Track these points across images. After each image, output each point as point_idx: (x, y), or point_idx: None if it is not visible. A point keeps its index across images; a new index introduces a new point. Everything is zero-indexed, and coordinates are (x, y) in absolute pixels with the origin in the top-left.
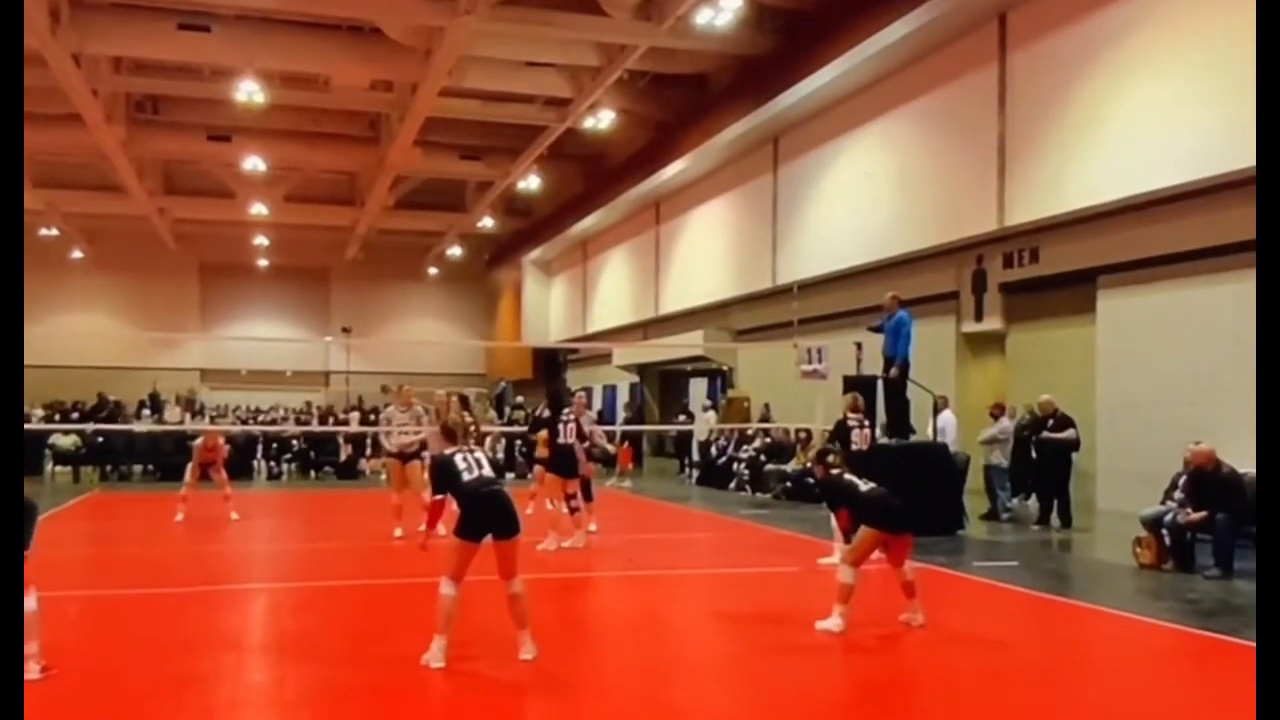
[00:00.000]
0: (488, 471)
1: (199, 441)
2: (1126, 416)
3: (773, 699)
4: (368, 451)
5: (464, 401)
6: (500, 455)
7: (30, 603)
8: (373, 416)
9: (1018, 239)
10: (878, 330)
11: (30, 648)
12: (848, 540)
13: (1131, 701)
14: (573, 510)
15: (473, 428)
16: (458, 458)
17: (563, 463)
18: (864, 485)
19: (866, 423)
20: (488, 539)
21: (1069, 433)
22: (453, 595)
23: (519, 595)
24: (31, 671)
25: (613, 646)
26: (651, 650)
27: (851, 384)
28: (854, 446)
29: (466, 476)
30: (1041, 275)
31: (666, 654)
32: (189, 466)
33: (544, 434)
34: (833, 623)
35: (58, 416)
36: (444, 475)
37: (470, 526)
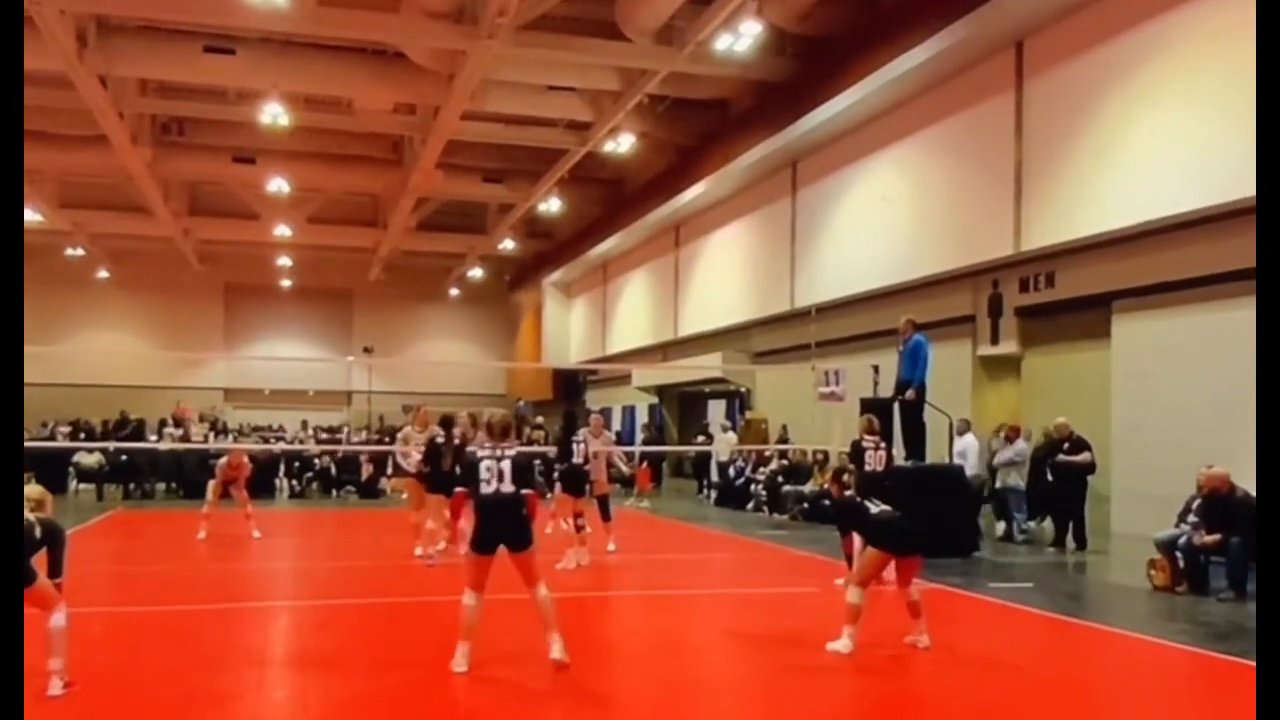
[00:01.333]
0: (507, 485)
1: (223, 460)
2: (1141, 440)
3: (787, 718)
4: (389, 471)
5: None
6: None
7: (60, 619)
8: (387, 439)
9: (1034, 263)
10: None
11: (55, 664)
12: (850, 565)
13: None
14: (578, 528)
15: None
16: (484, 463)
17: (572, 481)
18: (874, 507)
19: (883, 444)
20: (502, 550)
21: (1084, 455)
22: (473, 605)
23: (542, 599)
24: (55, 688)
25: (630, 664)
26: (668, 669)
27: (869, 407)
28: (868, 468)
29: (485, 489)
30: (1057, 299)
31: (683, 673)
32: (211, 485)
33: None
34: (842, 644)
35: (83, 435)
36: (467, 474)
37: (482, 538)
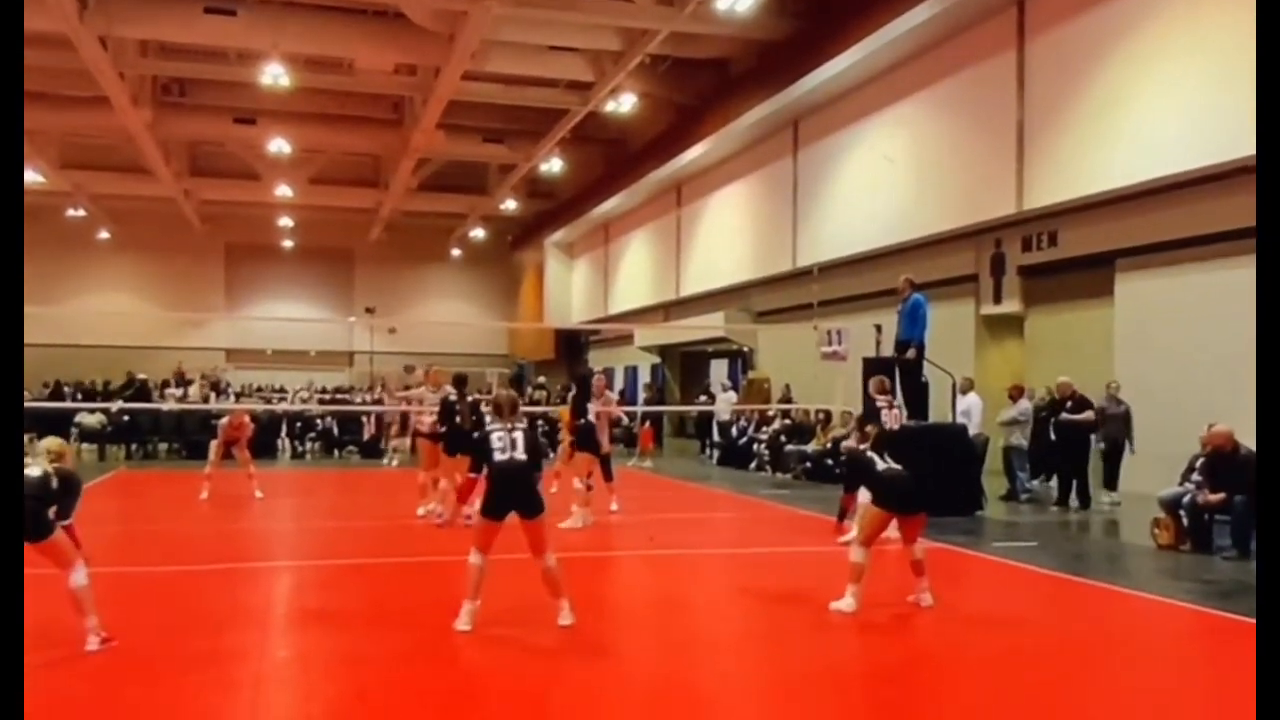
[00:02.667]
0: (520, 453)
1: (225, 420)
2: (1145, 399)
3: (790, 676)
4: (393, 430)
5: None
6: None
7: (79, 577)
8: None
9: (1036, 222)
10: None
11: (89, 621)
12: (841, 519)
13: (1148, 681)
14: (587, 488)
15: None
16: (495, 435)
17: (589, 440)
18: (882, 464)
19: (895, 403)
20: (513, 517)
21: (1087, 414)
22: (479, 564)
23: (551, 569)
24: (92, 643)
25: (633, 623)
26: (671, 627)
27: (871, 366)
28: (886, 427)
29: (498, 456)
30: (1060, 258)
31: (686, 631)
32: (213, 445)
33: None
34: (845, 603)
35: (79, 395)
36: (480, 451)
37: (493, 504)
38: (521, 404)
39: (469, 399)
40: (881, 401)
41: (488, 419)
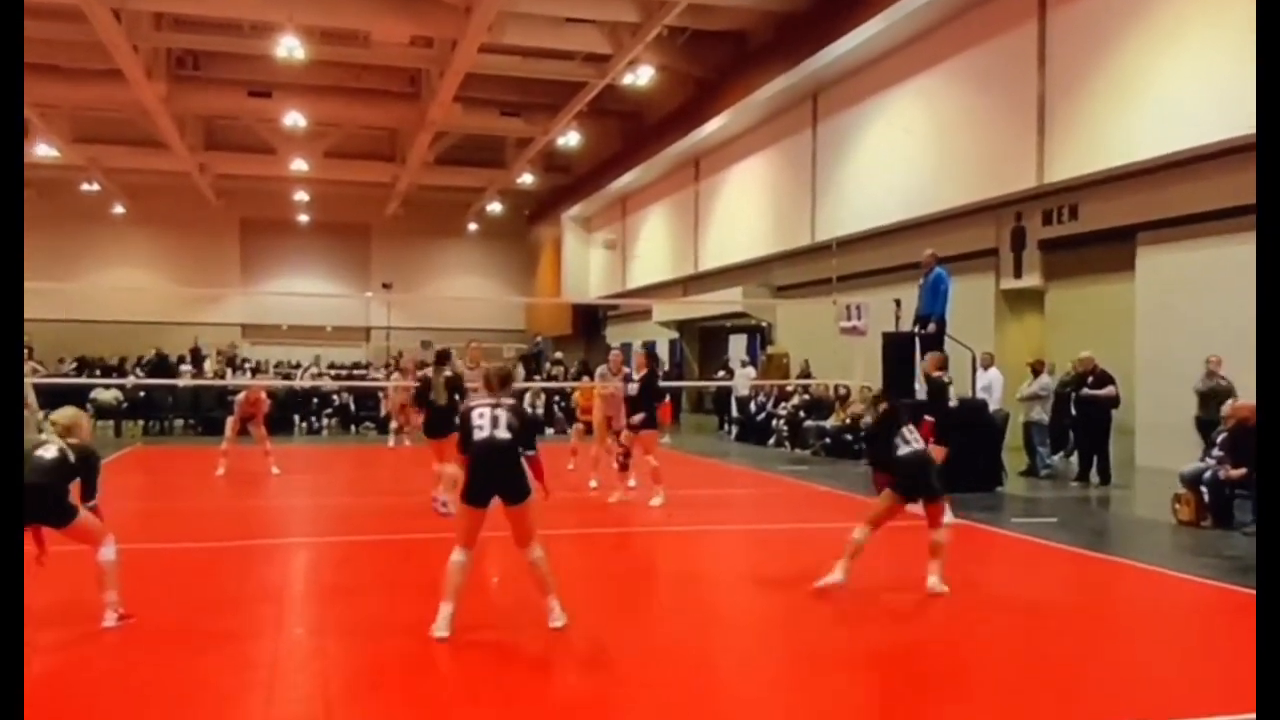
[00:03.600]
0: (501, 432)
1: (241, 396)
2: (1166, 373)
3: (808, 655)
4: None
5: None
6: (540, 411)
7: (109, 552)
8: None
9: (1057, 196)
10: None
11: (109, 596)
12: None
13: (1169, 657)
14: (623, 466)
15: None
16: (475, 413)
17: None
18: (904, 447)
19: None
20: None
21: (1109, 389)
22: (460, 562)
23: (537, 562)
24: (109, 619)
25: (649, 601)
26: (686, 606)
27: (891, 341)
28: (951, 404)
29: (477, 435)
30: (1081, 232)
31: (701, 610)
32: (229, 421)
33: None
34: (832, 576)
35: (100, 371)
36: (461, 430)
37: (473, 489)
38: (526, 378)
39: (447, 374)
40: (948, 378)
41: (473, 401)
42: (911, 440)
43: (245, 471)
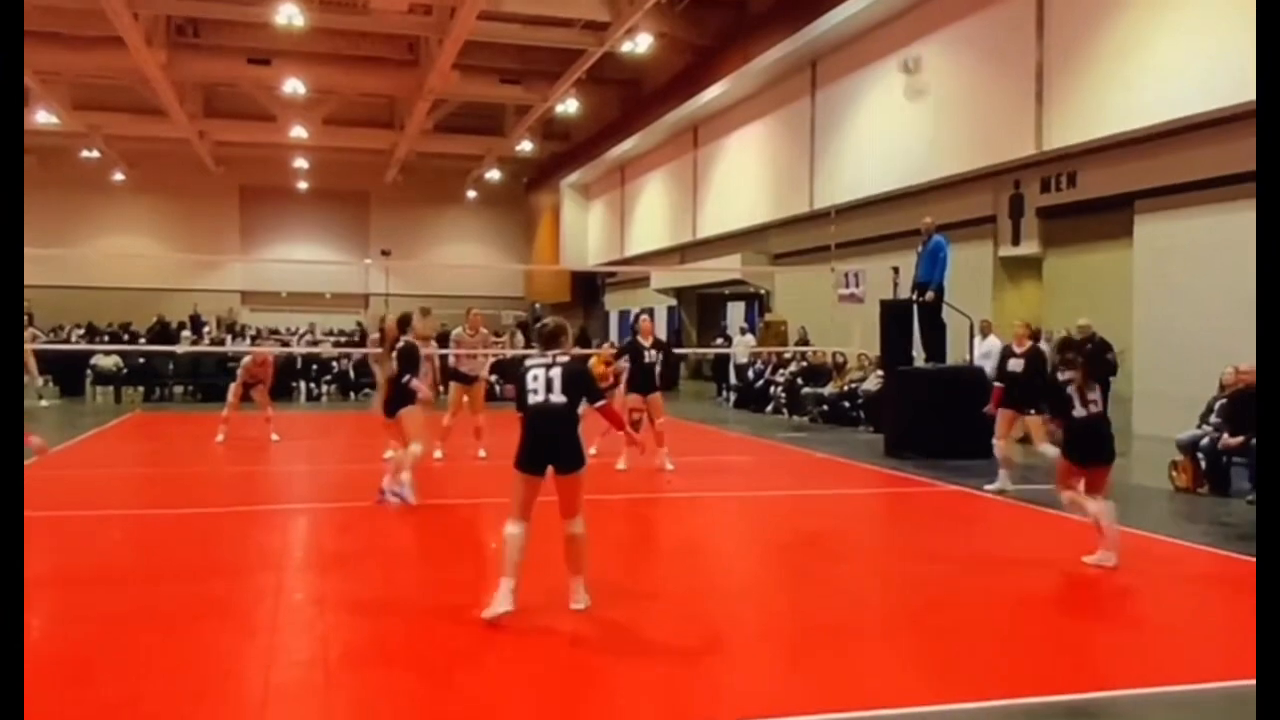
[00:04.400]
0: (556, 396)
1: (247, 360)
2: (1163, 341)
3: (809, 623)
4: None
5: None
6: None
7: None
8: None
9: (1055, 163)
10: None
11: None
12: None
13: (1165, 623)
14: (634, 424)
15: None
16: (530, 375)
17: (645, 382)
18: (1079, 410)
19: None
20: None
21: (1107, 357)
22: (517, 534)
23: (576, 537)
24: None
25: (653, 568)
26: (691, 571)
27: (889, 308)
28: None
29: (531, 399)
30: (1079, 200)
31: (702, 577)
32: (232, 387)
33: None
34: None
35: (107, 338)
36: (517, 391)
37: (528, 456)
38: (525, 345)
39: (403, 344)
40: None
41: (527, 360)
42: (1091, 403)
43: (245, 438)
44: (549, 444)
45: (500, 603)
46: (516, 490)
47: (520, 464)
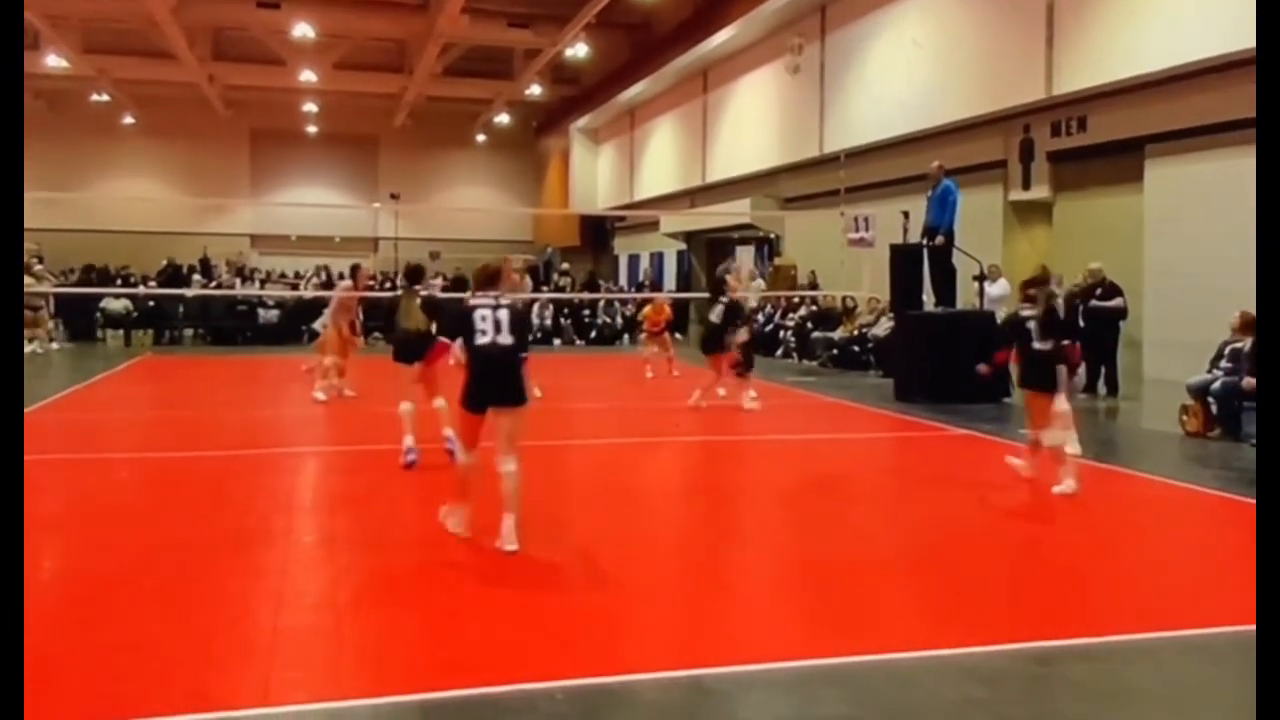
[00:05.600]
0: (504, 337)
1: (339, 301)
2: (1174, 285)
3: (818, 565)
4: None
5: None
6: (549, 322)
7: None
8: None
9: (1066, 107)
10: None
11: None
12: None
13: (1175, 567)
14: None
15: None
16: (477, 315)
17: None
18: (1039, 343)
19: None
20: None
21: (1117, 301)
22: (467, 463)
23: (509, 475)
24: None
25: (659, 511)
26: (696, 515)
27: (899, 252)
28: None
29: (479, 340)
30: (1089, 144)
31: (710, 519)
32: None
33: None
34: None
35: (120, 280)
36: (459, 326)
37: (473, 394)
38: (535, 288)
39: (423, 295)
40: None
41: (472, 301)
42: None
43: (253, 379)
44: (496, 383)
45: (452, 525)
46: (461, 425)
47: (466, 403)
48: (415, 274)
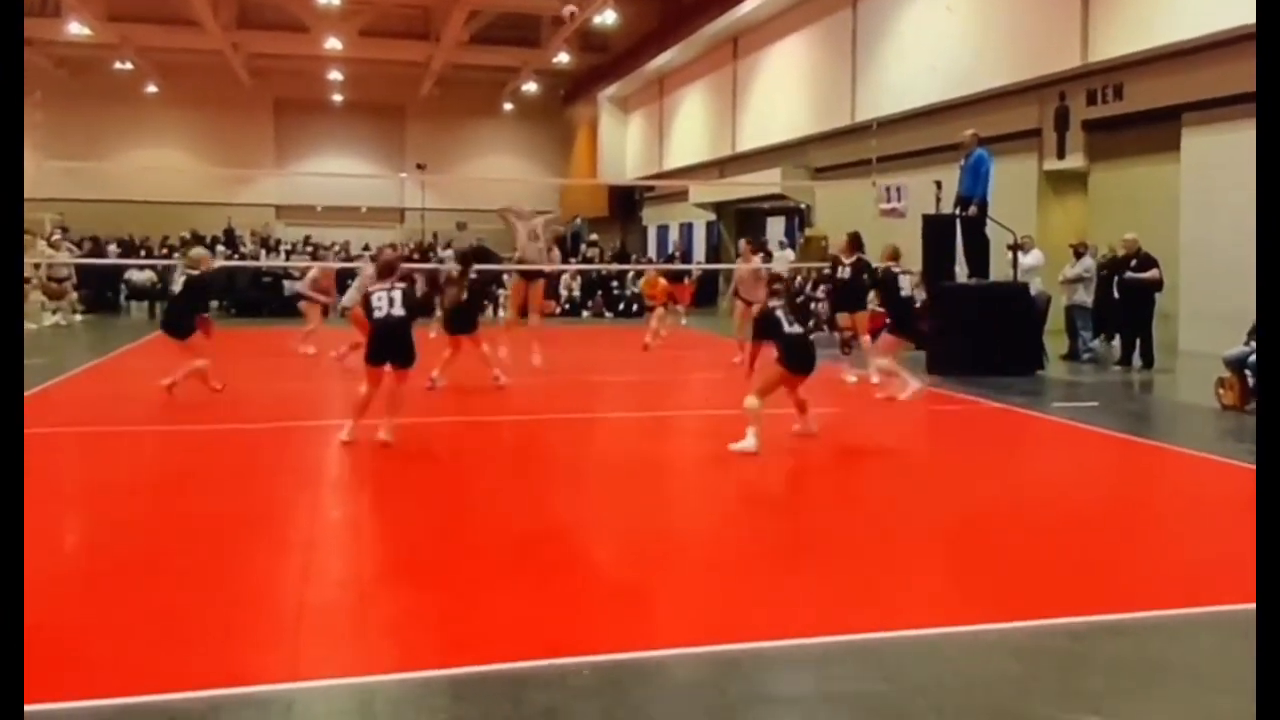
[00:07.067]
0: (397, 310)
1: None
2: (1210, 256)
3: (847, 538)
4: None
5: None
6: (577, 293)
7: (200, 363)
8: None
9: (1101, 75)
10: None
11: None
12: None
13: (1210, 542)
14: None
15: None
16: (375, 296)
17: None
18: (789, 327)
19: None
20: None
21: (1152, 272)
22: (366, 393)
23: (394, 392)
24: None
25: (686, 482)
26: (722, 487)
27: (931, 223)
28: (904, 294)
29: (377, 314)
30: (1125, 112)
31: (736, 492)
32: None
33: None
34: (747, 443)
35: (144, 251)
36: (365, 308)
37: (374, 354)
38: (563, 260)
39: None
40: (896, 268)
41: (372, 288)
42: (794, 323)
43: (283, 352)
44: (391, 346)
45: (344, 433)
46: (370, 377)
47: (369, 359)
48: (474, 256)
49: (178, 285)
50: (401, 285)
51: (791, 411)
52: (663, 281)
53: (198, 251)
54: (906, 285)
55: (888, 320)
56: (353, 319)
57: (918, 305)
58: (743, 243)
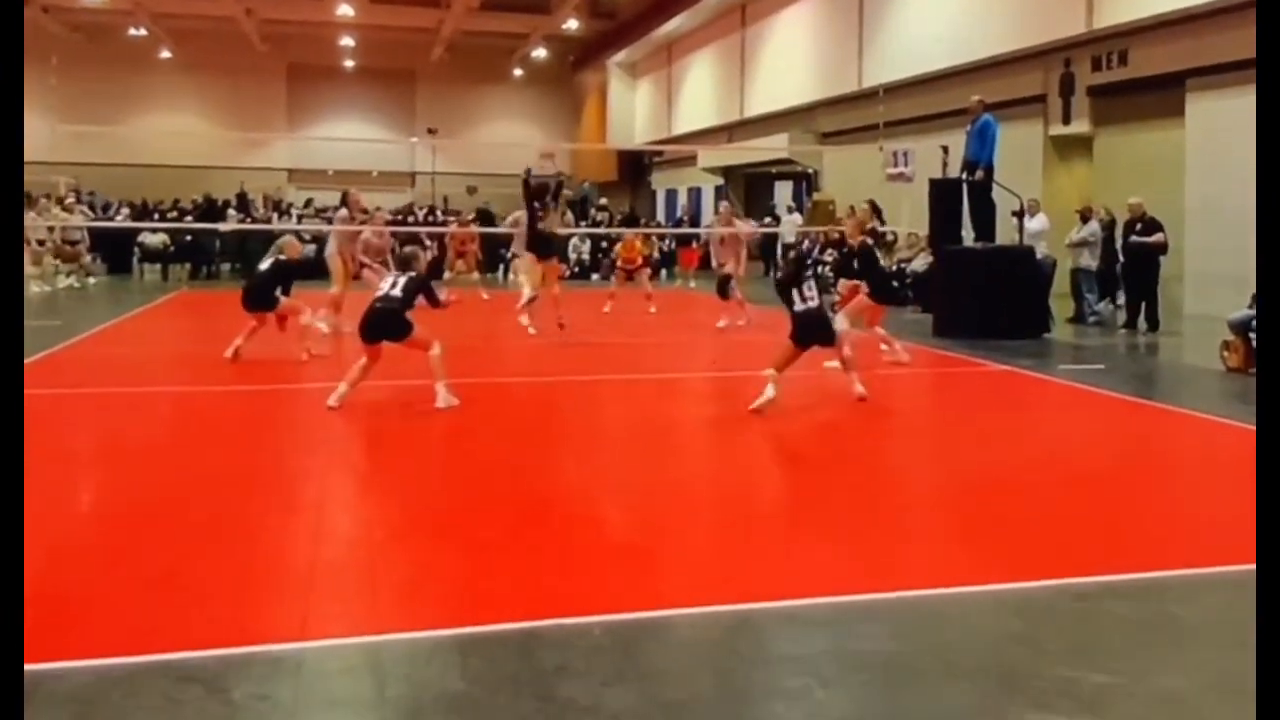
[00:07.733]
0: (395, 292)
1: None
2: (1215, 220)
3: (855, 499)
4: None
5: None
6: (586, 257)
7: (307, 318)
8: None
9: (1107, 41)
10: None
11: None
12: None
13: (1216, 502)
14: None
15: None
16: (385, 282)
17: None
18: (801, 303)
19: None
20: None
21: (1157, 236)
22: (362, 364)
23: (432, 357)
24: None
25: (692, 444)
26: (729, 450)
27: (938, 187)
28: (887, 260)
29: (378, 293)
30: (1130, 78)
31: (743, 454)
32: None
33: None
34: (765, 393)
35: (157, 215)
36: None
37: (367, 332)
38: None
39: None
40: (870, 241)
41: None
42: (808, 297)
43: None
44: (380, 326)
45: (332, 399)
46: (368, 353)
47: (364, 337)
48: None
49: (265, 264)
50: (410, 274)
51: (804, 373)
52: (638, 244)
53: (288, 239)
54: (901, 247)
55: (866, 291)
56: (333, 268)
57: (915, 269)
58: (723, 205)
